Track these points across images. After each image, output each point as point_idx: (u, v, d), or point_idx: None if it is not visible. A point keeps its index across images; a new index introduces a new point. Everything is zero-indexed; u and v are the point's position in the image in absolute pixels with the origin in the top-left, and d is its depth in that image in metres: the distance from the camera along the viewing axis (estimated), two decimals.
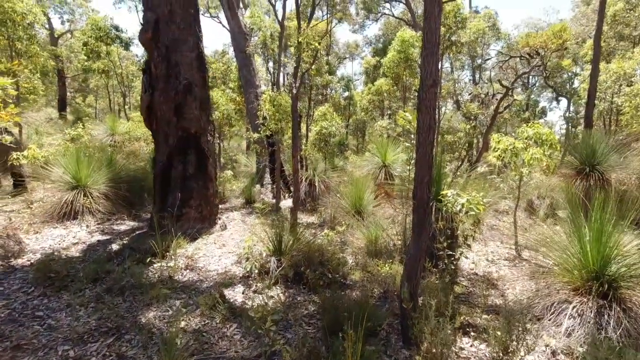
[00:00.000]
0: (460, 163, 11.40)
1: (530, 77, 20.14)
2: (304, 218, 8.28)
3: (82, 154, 6.84)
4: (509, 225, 7.50)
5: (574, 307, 3.26)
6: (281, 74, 11.41)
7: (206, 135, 5.87)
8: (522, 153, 5.86)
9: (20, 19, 9.17)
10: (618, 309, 3.10)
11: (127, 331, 2.94)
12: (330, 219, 7.40)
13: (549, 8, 37.43)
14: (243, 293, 3.86)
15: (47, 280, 3.64)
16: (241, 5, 15.11)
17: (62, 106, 19.02)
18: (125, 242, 5.04)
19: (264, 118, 8.55)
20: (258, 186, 9.93)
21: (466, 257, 3.83)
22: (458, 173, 12.34)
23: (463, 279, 4.97)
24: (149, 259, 4.21)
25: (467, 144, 12.82)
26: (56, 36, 19.43)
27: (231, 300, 3.62)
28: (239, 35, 10.30)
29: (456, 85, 13.55)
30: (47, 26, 18.82)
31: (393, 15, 22.50)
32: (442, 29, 10.44)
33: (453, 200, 3.52)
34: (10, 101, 6.52)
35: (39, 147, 7.90)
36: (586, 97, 8.14)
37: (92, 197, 6.34)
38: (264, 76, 15.16)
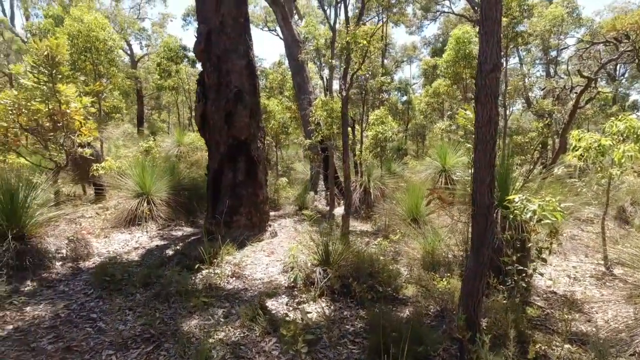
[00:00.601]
0: (532, 166, 10.23)
1: (618, 66, 17.67)
2: (357, 226, 7.97)
3: (147, 164, 7.31)
4: (595, 236, 6.47)
5: None
6: (334, 80, 11.32)
7: (256, 142, 5.88)
8: (611, 151, 4.98)
9: (102, 46, 10.22)
10: None
11: (167, 339, 2.91)
12: (384, 227, 7.01)
13: None
14: (286, 304, 3.68)
15: (103, 283, 3.81)
16: (296, 15, 15.42)
17: (140, 122, 20.96)
18: (178, 247, 5.19)
19: (316, 124, 8.47)
20: (312, 193, 9.85)
21: (541, 274, 3.24)
22: (530, 177, 11.10)
23: (538, 298, 4.28)
24: (197, 266, 4.24)
25: (540, 145, 11.50)
26: (136, 60, 21.56)
27: (273, 311, 3.46)
28: (293, 44, 10.41)
29: (526, 80, 12.29)
30: (127, 51, 20.99)
31: (453, 13, 21.37)
32: (505, 19, 9.52)
33: (522, 207, 3.00)
34: (90, 118, 7.23)
35: (115, 159, 8.67)
36: None
37: (154, 204, 6.71)
38: (319, 83, 15.24)
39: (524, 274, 3.16)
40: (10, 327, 3.14)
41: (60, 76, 6.69)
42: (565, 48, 11.98)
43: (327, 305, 3.68)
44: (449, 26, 21.11)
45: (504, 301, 3.18)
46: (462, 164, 7.95)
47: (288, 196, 10.32)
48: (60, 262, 4.45)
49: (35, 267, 4.17)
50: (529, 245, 3.69)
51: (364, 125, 11.41)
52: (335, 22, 8.71)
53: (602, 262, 5.29)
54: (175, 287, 3.70)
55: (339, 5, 6.84)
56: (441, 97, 14.30)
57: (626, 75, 21.46)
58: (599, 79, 19.56)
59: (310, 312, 3.43)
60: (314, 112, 7.79)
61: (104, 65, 10.43)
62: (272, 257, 5.11)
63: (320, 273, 3.91)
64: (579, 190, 7.76)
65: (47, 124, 6.53)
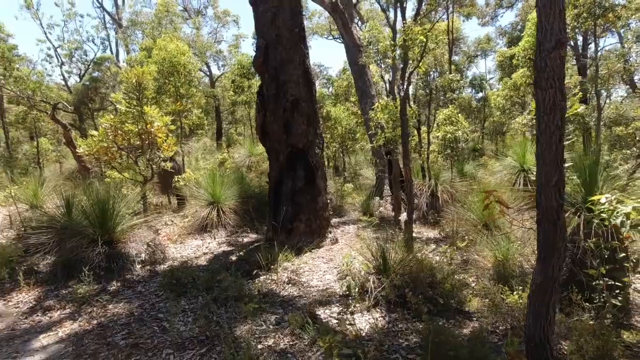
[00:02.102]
0: (638, 161, 8.68)
1: None
2: (424, 232, 7.53)
3: (218, 175, 7.84)
4: None
5: None
6: (398, 81, 10.96)
7: (314, 149, 5.92)
8: None
9: (183, 69, 11.33)
10: None
11: (220, 343, 3.01)
12: (453, 233, 6.50)
13: None
14: (339, 313, 3.57)
15: (172, 286, 4.12)
16: (357, 19, 15.37)
17: (218, 136, 22.75)
18: (241, 254, 5.41)
19: (377, 127, 8.25)
20: (377, 198, 9.60)
21: (629, 292, 2.66)
22: (636, 174, 9.39)
23: None
24: (254, 272, 4.36)
25: None
26: (214, 80, 23.53)
27: (324, 320, 3.38)
28: (353, 49, 10.37)
29: (630, 60, 10.49)
30: (207, 73, 23.01)
31: None
32: None
33: (611, 209, 2.49)
34: (171, 135, 8.03)
35: (194, 172, 9.48)
36: None
37: (223, 212, 7.14)
38: (384, 85, 14.94)
39: (617, 290, 2.62)
40: (95, 322, 3.55)
41: (145, 99, 7.57)
42: None
43: (382, 316, 3.49)
44: (528, 11, 19.17)
45: (591, 322, 2.67)
46: None
47: (354, 202, 10.20)
48: (140, 265, 4.94)
49: (120, 269, 4.69)
50: (622, 255, 3.06)
51: (432, 126, 10.84)
52: (395, 22, 8.44)
53: None
54: (232, 292, 3.84)
55: (398, 4, 6.64)
56: (521, 90, 12.94)
57: None
58: None
59: (360, 323, 3.27)
60: (374, 115, 7.60)
61: (184, 86, 11.52)
62: (331, 264, 5.04)
63: (374, 282, 3.73)
64: None
65: (137, 142, 7.40)
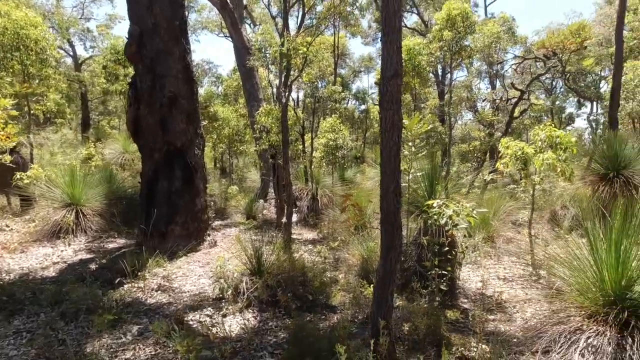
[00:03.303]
0: (476, 173, 10.75)
1: (554, 82, 19.16)
2: (304, 234, 7.91)
3: (79, 172, 6.83)
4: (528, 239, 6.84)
5: (587, 338, 2.70)
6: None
7: (193, 149, 5.67)
8: (534, 158, 5.30)
9: (34, 45, 9.50)
10: None
11: None
12: (330, 234, 7.01)
13: (570, 12, 35.84)
14: (210, 317, 3.51)
15: (1, 304, 3.43)
16: (249, 21, 15.29)
17: (84, 127, 19.73)
18: (104, 261, 4.83)
19: (264, 131, 8.35)
20: (261, 201, 9.69)
21: (455, 279, 3.33)
22: (476, 183, 11.65)
23: (466, 300, 4.41)
24: (118, 280, 3.96)
25: (484, 152, 12.13)
26: (80, 62, 20.35)
27: (193, 325, 3.29)
28: (242, 50, 10.29)
29: (470, 92, 12.97)
30: (70, 53, 19.77)
31: (406, 26, 22.24)
32: (450, 33, 10.03)
33: (439, 212, 3.07)
34: (12, 122, 6.63)
35: (49, 167, 8.02)
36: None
37: (84, 215, 6.25)
38: (273, 91, 15.17)
39: (444, 278, 3.23)
40: None
41: None
42: (501, 63, 12.80)
43: (254, 316, 3.56)
44: (405, 38, 21.94)
45: (425, 305, 3.23)
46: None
47: (238, 205, 10.08)
48: None
49: None
50: (456, 250, 3.80)
51: (316, 133, 11.49)
52: (283, 30, 8.69)
53: (530, 263, 5.58)
54: (86, 304, 3.41)
55: (287, 15, 6.89)
56: None
57: (561, 90, 23.28)
58: (537, 93, 21.06)
59: (231, 325, 3.29)
60: (259, 118, 7.69)
61: (35, 65, 9.70)
62: (207, 268, 4.90)
63: (247, 283, 3.78)
64: (515, 195, 8.21)
65: None
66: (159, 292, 4.02)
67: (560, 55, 9.50)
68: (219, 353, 2.54)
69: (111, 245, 5.88)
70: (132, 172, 11.43)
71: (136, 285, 3.99)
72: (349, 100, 23.39)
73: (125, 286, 4.00)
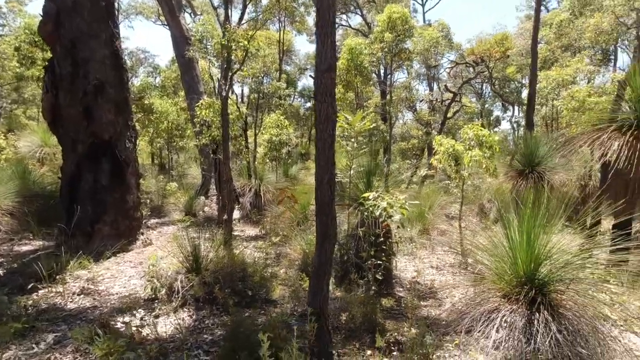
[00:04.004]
0: (415, 169, 11.34)
1: (483, 86, 20.85)
2: (247, 230, 7.77)
3: None
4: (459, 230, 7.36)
5: (503, 316, 2.98)
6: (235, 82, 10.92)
7: (124, 142, 5.27)
8: (463, 155, 5.71)
9: None
10: (547, 315, 2.85)
11: None
12: (273, 230, 6.95)
13: (497, 24, 39.75)
14: (141, 319, 3.30)
15: None
16: (189, 9, 14.56)
17: None
18: (15, 265, 4.32)
19: (204, 125, 8.03)
20: (202, 198, 9.32)
21: (390, 269, 3.49)
22: (414, 179, 12.29)
23: (401, 289, 4.64)
24: (31, 285, 3.56)
25: (421, 150, 12.85)
26: None
27: (122, 329, 3.06)
28: (181, 40, 9.77)
29: (409, 93, 13.64)
30: None
31: (350, 27, 22.74)
32: (390, 35, 10.44)
33: (374, 204, 3.19)
34: None
35: None
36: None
37: None
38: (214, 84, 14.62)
39: (379, 268, 3.36)
40: None
41: None
42: (436, 66, 13.66)
43: (189, 315, 3.42)
44: (346, 38, 22.39)
45: (362, 295, 3.34)
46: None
47: (177, 202, 9.60)
48: None
49: None
50: (391, 240, 3.98)
51: (259, 129, 11.31)
52: (225, 22, 8.39)
53: (460, 252, 6.02)
54: None
55: (229, 5, 6.65)
56: (337, 104, 14.97)
57: (490, 94, 25.42)
58: (469, 97, 22.75)
59: (164, 326, 3.12)
60: (198, 113, 7.38)
61: None
62: (139, 268, 4.60)
63: (182, 281, 3.61)
64: (449, 190, 8.77)
65: None
66: (81, 296, 3.69)
67: (488, 62, 10.34)
68: (144, 354, 2.39)
69: (25, 248, 5.28)
70: (52, 167, 10.33)
71: (54, 289, 3.62)
72: (294, 97, 23.38)
73: (41, 291, 3.61)
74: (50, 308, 3.36)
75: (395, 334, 3.19)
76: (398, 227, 3.38)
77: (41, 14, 4.77)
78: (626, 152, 4.49)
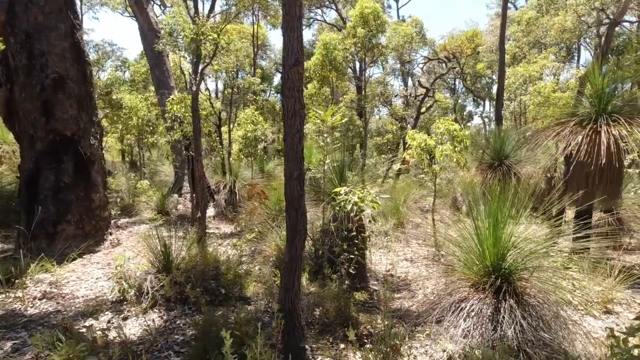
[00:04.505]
0: (390, 163, 11.48)
1: (456, 82, 21.33)
2: (222, 227, 7.65)
3: None
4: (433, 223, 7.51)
5: (471, 305, 3.07)
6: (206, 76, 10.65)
7: (88, 139, 5.05)
8: (435, 150, 5.83)
9: None
10: (512, 303, 2.95)
11: None
12: (248, 227, 6.87)
13: (469, 20, 40.72)
14: (108, 322, 3.19)
15: None
16: (158, 1, 14.08)
17: None
18: None
19: (176, 121, 7.81)
20: (175, 196, 9.09)
21: (364, 263, 3.52)
22: (390, 173, 12.45)
23: (376, 282, 4.70)
24: None
25: (396, 145, 13.02)
26: None
27: (86, 333, 2.94)
28: (149, 33, 9.44)
29: (384, 88, 13.77)
30: None
31: (325, 22, 22.67)
32: (363, 30, 10.48)
33: (346, 199, 3.20)
34: None
35: None
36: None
37: None
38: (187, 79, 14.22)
39: (352, 262, 3.38)
40: None
41: None
42: (410, 62, 13.86)
43: (160, 316, 3.33)
44: (321, 33, 22.32)
45: (335, 290, 3.35)
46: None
47: (149, 200, 9.31)
48: None
49: None
50: (364, 234, 4.01)
51: (234, 124, 11.11)
52: (195, 14, 8.16)
53: (434, 245, 6.15)
54: None
55: None
56: (312, 99, 14.95)
57: (462, 90, 26.04)
58: (443, 92, 23.23)
59: (133, 328, 3.03)
60: (169, 108, 7.16)
61: None
62: (107, 270, 4.44)
63: (152, 282, 3.51)
64: (424, 184, 8.93)
65: None
66: (43, 300, 3.52)
67: (459, 58, 10.56)
68: (106, 358, 2.30)
69: None
70: (12, 165, 9.80)
71: (12, 295, 3.43)
72: (270, 92, 23.14)
73: None
74: (9, 314, 3.19)
75: (369, 326, 3.22)
76: (370, 221, 3.40)
77: None
78: (586, 145, 4.70)
